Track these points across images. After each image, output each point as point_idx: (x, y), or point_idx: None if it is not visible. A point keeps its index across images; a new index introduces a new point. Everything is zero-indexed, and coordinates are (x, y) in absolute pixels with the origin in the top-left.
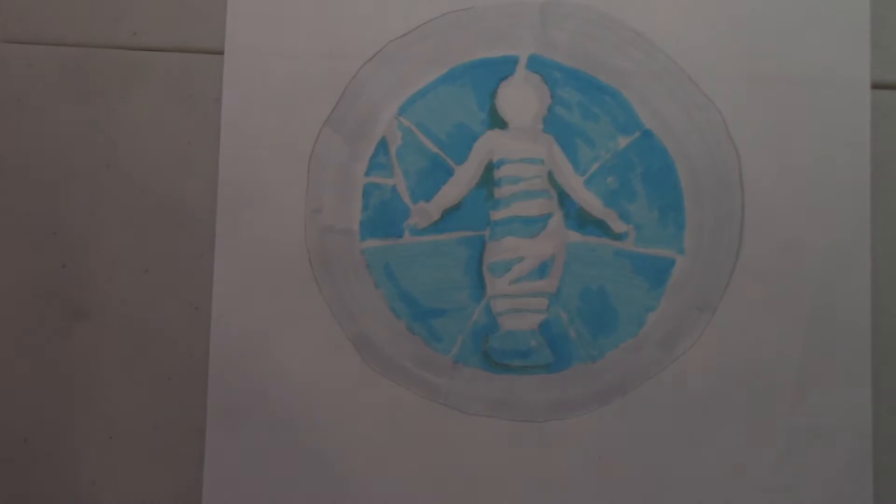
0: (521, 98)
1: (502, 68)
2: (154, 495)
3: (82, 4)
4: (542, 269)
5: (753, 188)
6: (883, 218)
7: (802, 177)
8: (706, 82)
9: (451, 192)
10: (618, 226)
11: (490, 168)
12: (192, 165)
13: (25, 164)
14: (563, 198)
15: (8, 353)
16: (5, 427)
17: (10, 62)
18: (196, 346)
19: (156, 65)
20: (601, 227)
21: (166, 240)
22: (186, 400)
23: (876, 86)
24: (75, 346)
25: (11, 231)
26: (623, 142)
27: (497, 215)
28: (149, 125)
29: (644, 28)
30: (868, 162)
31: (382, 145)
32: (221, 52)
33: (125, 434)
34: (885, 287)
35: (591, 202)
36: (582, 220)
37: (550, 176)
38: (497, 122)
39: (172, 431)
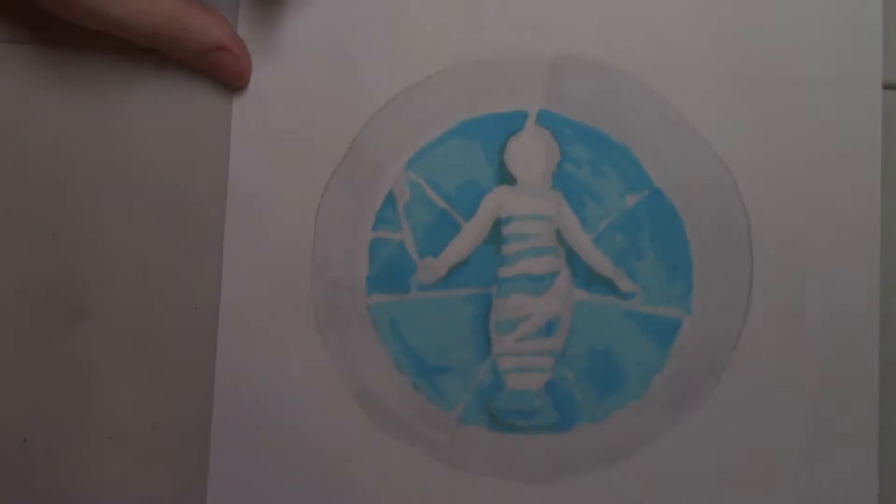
0: (530, 154)
1: (512, 123)
2: (154, 495)
3: None
4: (549, 328)
5: (762, 247)
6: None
7: (812, 221)
8: (718, 142)
9: (459, 248)
10: (625, 285)
11: (498, 224)
12: (193, 166)
13: (25, 164)
14: (571, 256)
15: (8, 353)
16: (5, 427)
17: (10, 62)
18: (196, 347)
19: (156, 65)
20: (608, 286)
21: (166, 240)
22: (186, 400)
23: (888, 86)
24: (75, 346)
25: (11, 231)
26: (631, 200)
27: (505, 272)
28: (149, 125)
29: (656, 85)
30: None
31: (390, 199)
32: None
33: (125, 434)
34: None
35: (600, 261)
36: (589, 278)
37: (558, 233)
38: (506, 177)
39: (172, 431)
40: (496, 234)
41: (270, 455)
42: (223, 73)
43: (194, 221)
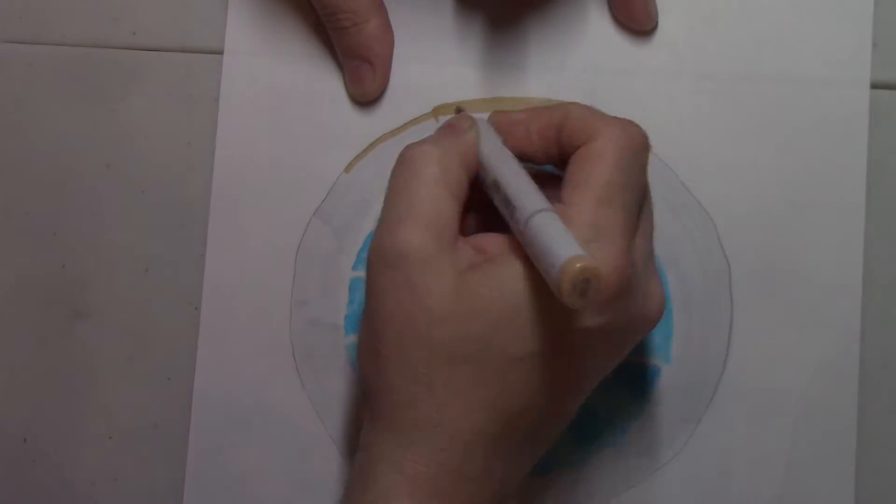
0: None
1: None
2: (154, 495)
3: (82, 4)
4: None
5: (742, 295)
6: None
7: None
8: (699, 188)
9: None
10: None
11: None
12: (192, 165)
13: (25, 164)
14: None
15: (8, 353)
16: (5, 427)
17: (10, 62)
18: (196, 346)
19: (156, 65)
20: None
21: (166, 240)
22: (186, 400)
23: (876, 86)
24: (75, 346)
25: (11, 231)
26: None
27: None
28: (149, 125)
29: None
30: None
31: (371, 240)
32: (221, 52)
33: (125, 434)
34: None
35: None
36: None
37: None
38: None
39: (172, 431)
40: None
41: (245, 487)
42: (353, 81)
43: (194, 221)
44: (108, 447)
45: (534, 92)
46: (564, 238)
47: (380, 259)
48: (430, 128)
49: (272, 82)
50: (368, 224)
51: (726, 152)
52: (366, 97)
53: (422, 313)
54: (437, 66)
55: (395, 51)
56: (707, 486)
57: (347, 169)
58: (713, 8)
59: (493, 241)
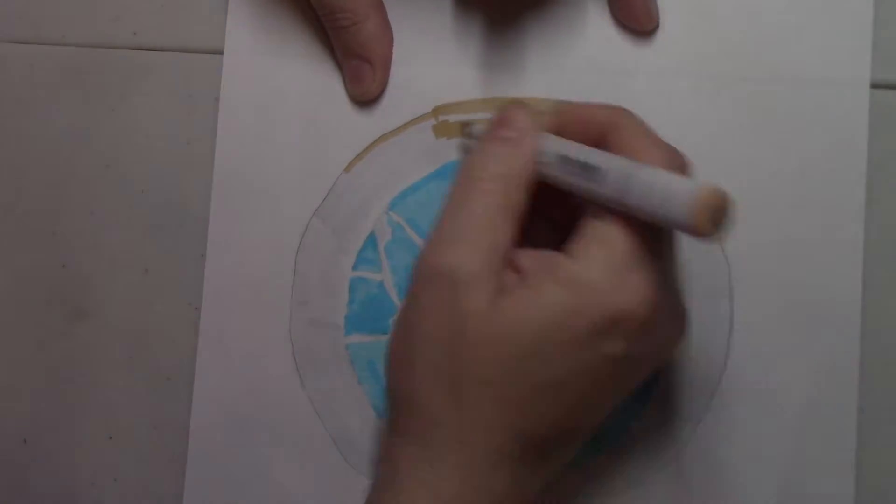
0: None
1: None
2: (154, 495)
3: (82, 4)
4: None
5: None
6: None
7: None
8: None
9: None
10: None
11: None
12: (192, 165)
13: (25, 164)
14: None
15: (8, 353)
16: (5, 427)
17: (10, 62)
18: (196, 346)
19: (156, 65)
20: None
21: (166, 240)
22: (186, 400)
23: (876, 85)
24: (75, 346)
25: (11, 231)
26: None
27: None
28: (149, 125)
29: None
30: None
31: (371, 239)
32: (221, 52)
33: (125, 434)
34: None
35: None
36: None
37: None
38: None
39: (172, 431)
40: None
41: (245, 487)
42: (352, 81)
43: (194, 221)
44: (108, 447)
45: (533, 92)
46: (680, 178)
47: (426, 275)
48: (429, 128)
49: (272, 82)
50: (368, 224)
51: (726, 152)
52: (365, 97)
53: (458, 336)
54: (437, 66)
55: (395, 51)
56: (707, 485)
57: (347, 169)
58: (713, 8)
59: (527, 260)
